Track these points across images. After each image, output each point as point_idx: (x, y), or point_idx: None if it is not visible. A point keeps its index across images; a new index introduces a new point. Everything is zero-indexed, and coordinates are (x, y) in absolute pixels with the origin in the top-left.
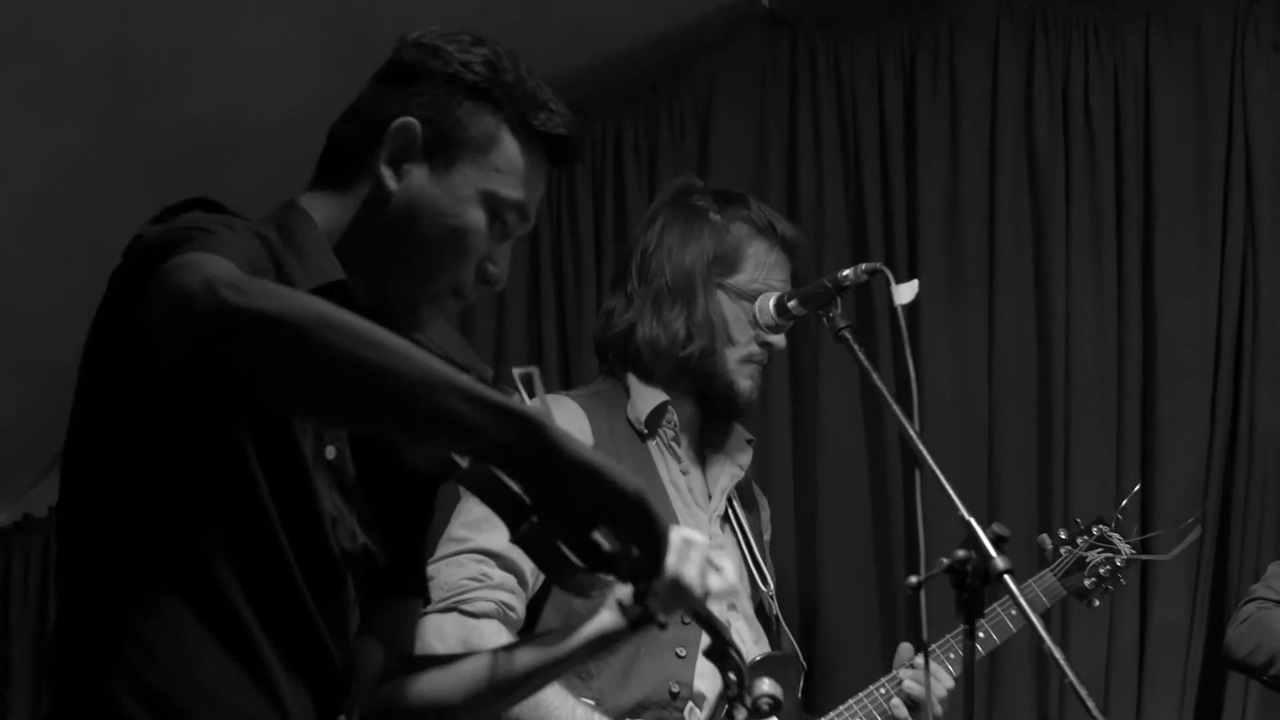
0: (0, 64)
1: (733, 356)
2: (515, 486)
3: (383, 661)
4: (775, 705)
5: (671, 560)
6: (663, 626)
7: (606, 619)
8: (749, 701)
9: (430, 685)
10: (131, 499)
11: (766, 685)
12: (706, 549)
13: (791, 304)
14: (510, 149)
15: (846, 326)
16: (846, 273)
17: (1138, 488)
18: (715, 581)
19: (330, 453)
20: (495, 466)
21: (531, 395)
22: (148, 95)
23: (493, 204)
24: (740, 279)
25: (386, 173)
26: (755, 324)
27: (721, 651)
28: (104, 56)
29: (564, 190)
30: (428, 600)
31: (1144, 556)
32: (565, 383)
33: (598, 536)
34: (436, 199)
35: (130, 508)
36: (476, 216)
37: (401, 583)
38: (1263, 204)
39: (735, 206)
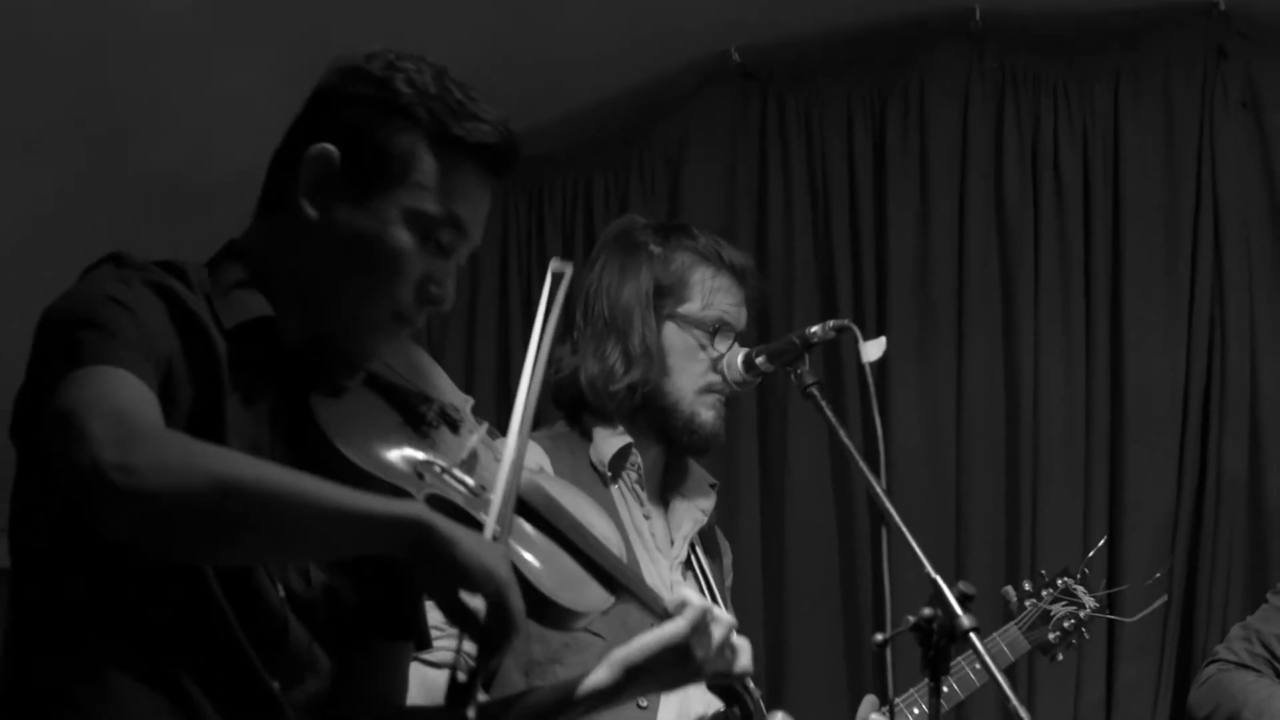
0: None
1: (687, 386)
2: (468, 508)
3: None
4: None
5: (675, 633)
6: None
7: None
8: None
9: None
10: (59, 549)
11: (780, 718)
12: (729, 627)
13: (759, 360)
14: (430, 163)
15: (814, 383)
16: (814, 329)
17: (1103, 541)
18: (736, 665)
19: None
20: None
21: (555, 292)
22: (119, 145)
23: (419, 221)
24: (690, 307)
25: (305, 203)
26: (706, 349)
27: (733, 690)
28: (76, 106)
29: (534, 240)
30: (424, 644)
31: (1108, 615)
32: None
33: (466, 598)
34: (359, 224)
35: (57, 556)
36: (402, 237)
37: (386, 625)
38: (1231, 260)
39: (677, 236)
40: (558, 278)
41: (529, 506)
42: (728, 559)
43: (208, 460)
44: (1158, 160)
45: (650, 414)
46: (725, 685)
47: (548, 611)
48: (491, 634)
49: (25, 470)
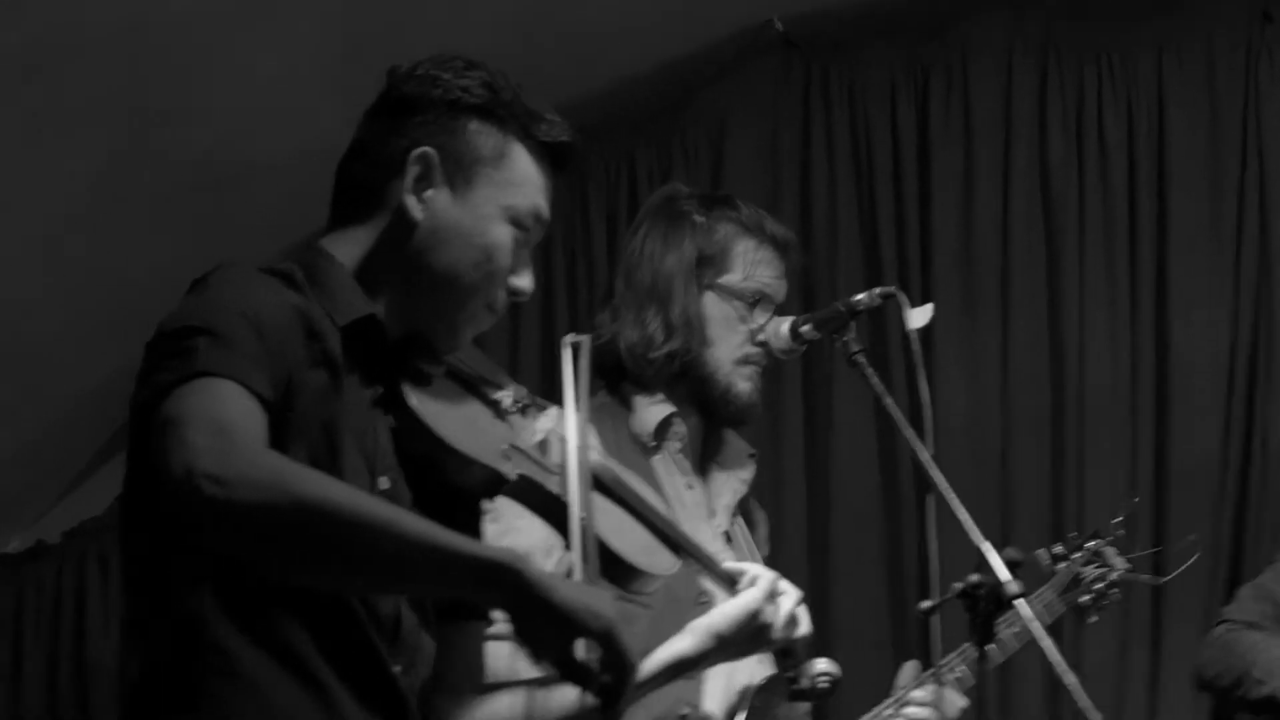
0: (12, 96)
1: (725, 357)
2: (552, 488)
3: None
4: (833, 683)
5: (756, 600)
6: None
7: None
8: (806, 683)
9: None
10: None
11: (822, 664)
12: (796, 600)
13: (805, 328)
14: (521, 160)
15: (860, 351)
16: (860, 297)
17: (1135, 500)
18: (797, 633)
19: (384, 483)
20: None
21: (577, 363)
22: (158, 126)
23: (514, 217)
24: (731, 278)
25: (411, 201)
26: (746, 323)
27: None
28: (115, 88)
29: (578, 216)
30: (489, 620)
31: (1139, 577)
32: None
33: (577, 650)
34: (462, 221)
35: (189, 557)
36: (502, 232)
37: (460, 606)
38: (1276, 227)
39: (720, 207)
40: (575, 349)
41: (600, 482)
42: (764, 529)
43: (300, 481)
44: (1202, 127)
45: (689, 383)
46: (783, 648)
47: (624, 575)
48: (609, 681)
49: (133, 476)
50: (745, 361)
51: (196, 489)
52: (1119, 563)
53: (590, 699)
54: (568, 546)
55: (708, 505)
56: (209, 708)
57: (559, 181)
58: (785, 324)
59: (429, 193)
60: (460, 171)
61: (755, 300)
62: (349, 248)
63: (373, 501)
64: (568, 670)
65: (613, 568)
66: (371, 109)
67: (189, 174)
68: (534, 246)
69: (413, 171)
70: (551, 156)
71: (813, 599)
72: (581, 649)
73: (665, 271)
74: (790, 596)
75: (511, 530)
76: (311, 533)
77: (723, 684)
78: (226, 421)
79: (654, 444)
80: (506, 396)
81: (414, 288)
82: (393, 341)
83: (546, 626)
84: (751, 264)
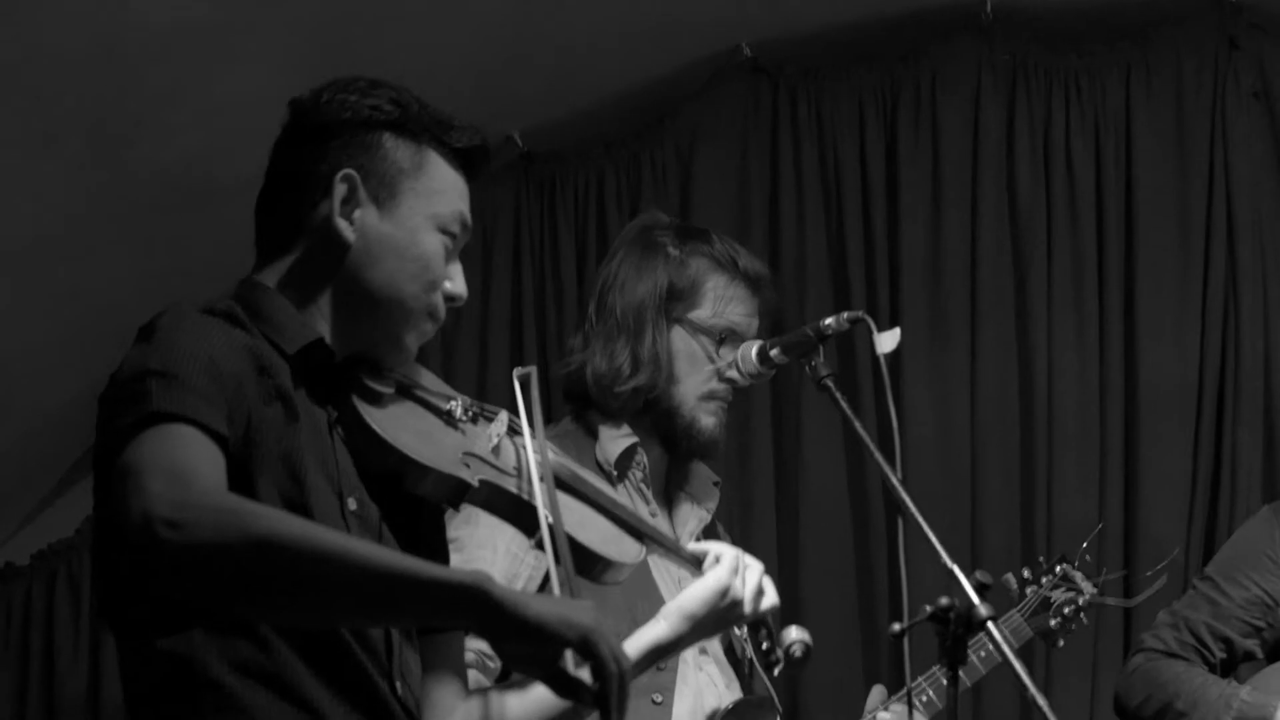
0: None
1: (690, 393)
2: (513, 489)
3: (453, 694)
4: (807, 650)
5: (724, 577)
6: None
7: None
8: (780, 654)
9: (510, 710)
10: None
11: (794, 633)
12: (760, 573)
13: (773, 352)
14: (439, 168)
15: (829, 375)
16: (828, 321)
17: (1100, 526)
18: (765, 604)
19: (351, 504)
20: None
21: (528, 394)
22: (129, 143)
23: (441, 224)
24: (700, 314)
25: (341, 224)
26: (713, 359)
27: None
28: (85, 108)
29: (547, 237)
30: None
31: (1107, 601)
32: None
33: (566, 663)
34: (394, 236)
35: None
36: (433, 240)
37: None
38: (1244, 249)
39: (695, 241)
40: (524, 381)
41: (559, 479)
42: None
43: (256, 519)
44: (1170, 152)
45: (653, 416)
46: (754, 620)
47: (595, 567)
48: (602, 690)
49: (100, 527)
50: (710, 397)
51: (154, 535)
52: (1087, 587)
53: (587, 709)
54: (535, 545)
55: (672, 533)
56: None
57: (510, 192)
58: (754, 348)
59: (357, 213)
60: (383, 188)
61: (723, 337)
62: (284, 278)
63: (332, 535)
64: (559, 685)
65: (582, 561)
66: (282, 141)
67: (159, 193)
68: (462, 251)
69: (339, 194)
70: (464, 161)
71: (784, 620)
72: (570, 661)
73: (636, 302)
74: (755, 569)
75: (475, 560)
76: (272, 570)
77: (689, 707)
78: (182, 466)
79: (616, 473)
80: (457, 406)
81: (356, 307)
82: (340, 363)
83: (523, 644)
84: (722, 300)
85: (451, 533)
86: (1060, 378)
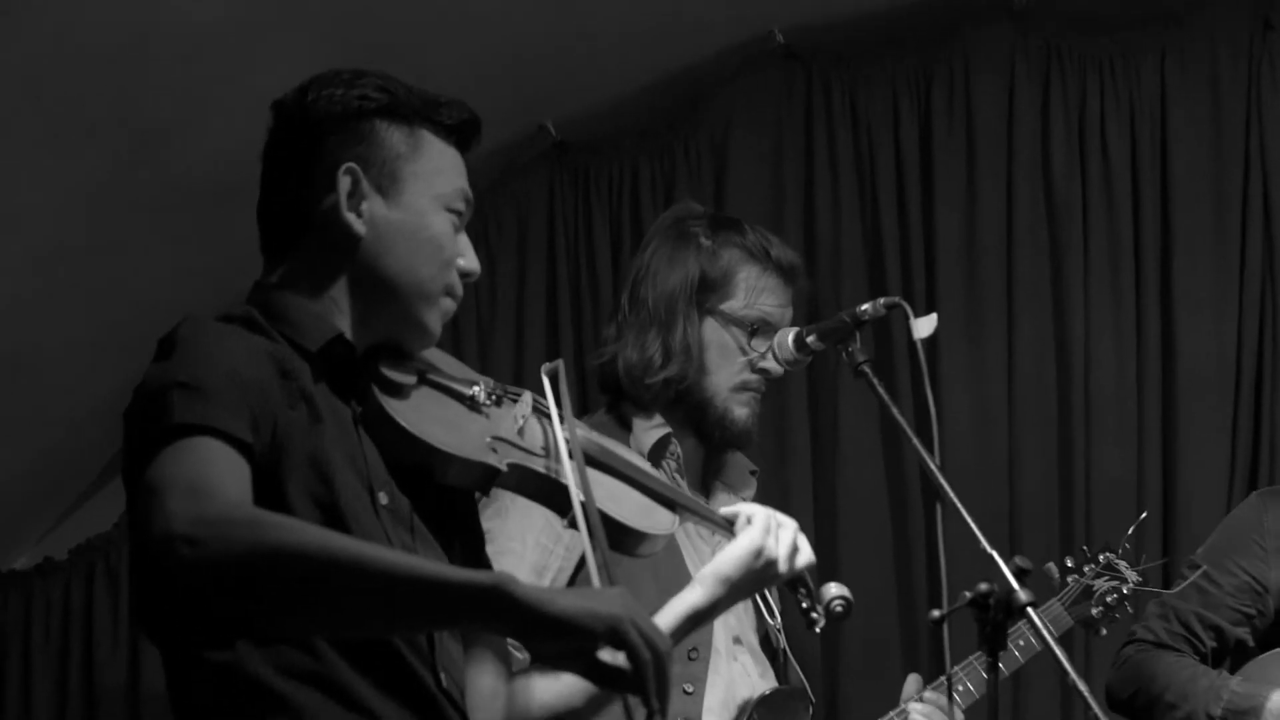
0: (14, 111)
1: (722, 384)
2: (542, 470)
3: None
4: (848, 606)
5: (757, 538)
6: None
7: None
8: (821, 611)
9: (546, 692)
10: None
11: (834, 589)
12: (794, 530)
13: (810, 339)
14: (435, 148)
15: (866, 361)
16: (865, 307)
17: (1144, 515)
18: (801, 561)
19: (383, 498)
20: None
21: (557, 389)
22: (159, 142)
23: (446, 203)
24: (733, 304)
25: (351, 218)
26: (745, 351)
27: (797, 578)
28: (116, 103)
29: (581, 227)
30: None
31: (1150, 589)
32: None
33: (603, 656)
34: (404, 222)
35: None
36: (442, 220)
37: None
38: None
39: (728, 231)
40: (552, 376)
41: (588, 456)
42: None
43: (274, 532)
44: (1205, 134)
45: (686, 408)
46: (792, 579)
47: (629, 541)
48: (639, 671)
49: (133, 543)
50: (743, 388)
51: (174, 552)
52: (1131, 575)
53: (632, 700)
54: (568, 524)
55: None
56: None
57: (544, 182)
58: (790, 335)
59: (364, 204)
60: (385, 175)
61: (755, 328)
62: (296, 277)
63: (350, 543)
64: (596, 676)
65: (616, 536)
66: (273, 145)
67: (194, 190)
68: (467, 225)
69: (344, 188)
70: (458, 137)
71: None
72: (607, 654)
73: (668, 293)
74: (788, 527)
75: (505, 552)
76: (291, 581)
77: (721, 697)
78: (203, 482)
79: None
80: (480, 390)
81: (375, 297)
82: (360, 357)
83: (551, 641)
84: (754, 291)
85: (484, 525)
86: (1097, 362)
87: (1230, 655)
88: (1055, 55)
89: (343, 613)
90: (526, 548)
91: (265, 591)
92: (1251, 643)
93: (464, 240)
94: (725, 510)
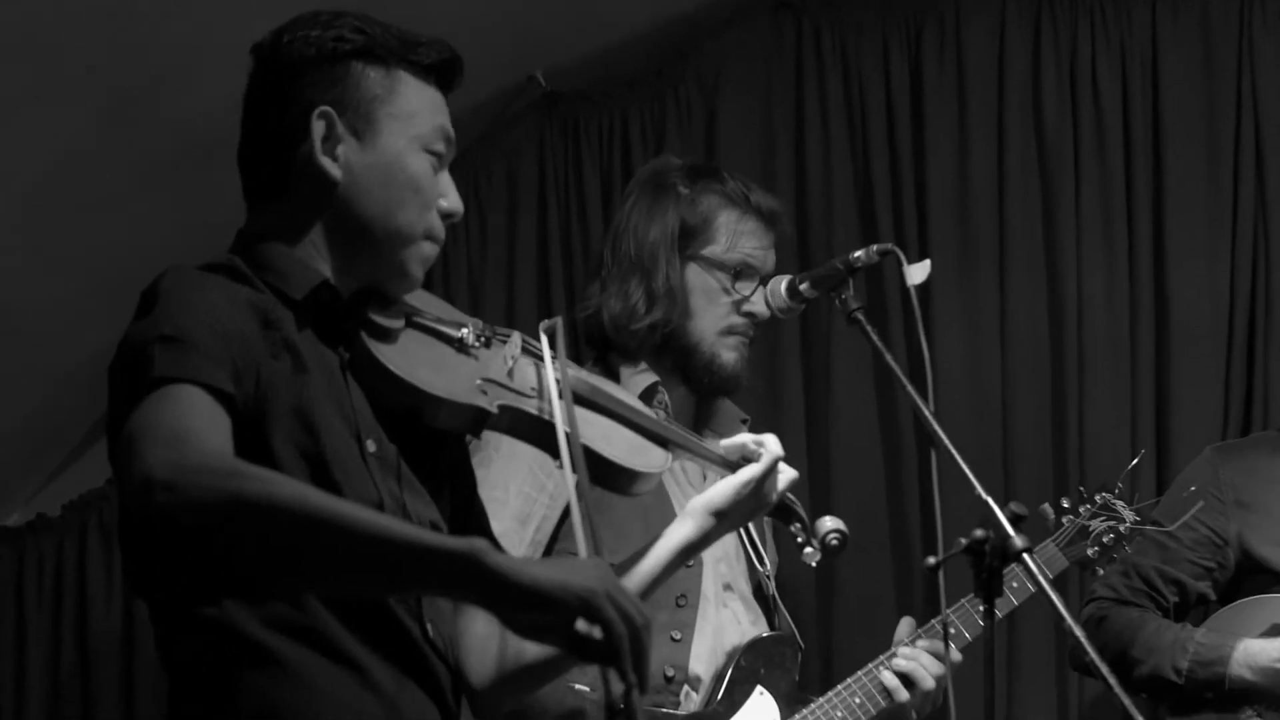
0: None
1: (708, 328)
2: (533, 411)
3: (485, 623)
4: (844, 539)
5: (758, 471)
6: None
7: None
8: (816, 544)
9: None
10: None
11: (830, 523)
12: (779, 457)
13: (803, 286)
14: (412, 88)
15: (859, 308)
16: (858, 254)
17: (1141, 453)
18: (783, 480)
19: (370, 446)
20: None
21: (554, 347)
22: (148, 94)
23: (425, 144)
24: (714, 249)
25: (325, 162)
26: (729, 293)
27: (782, 505)
28: (104, 55)
29: (571, 177)
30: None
31: (1147, 527)
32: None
33: (579, 627)
34: (379, 165)
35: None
36: (420, 162)
37: None
38: (1273, 177)
39: (706, 179)
40: (550, 333)
41: (578, 395)
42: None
43: (252, 483)
44: (1197, 79)
45: (673, 354)
46: (779, 504)
47: (622, 479)
48: (613, 645)
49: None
50: (730, 332)
51: (151, 499)
52: (1128, 515)
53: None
54: (560, 465)
55: (699, 471)
56: (255, 702)
57: (534, 133)
58: (783, 282)
59: (339, 148)
60: (360, 118)
61: (738, 271)
62: (277, 225)
63: (329, 501)
64: (574, 649)
65: (609, 475)
66: (251, 90)
67: (181, 145)
68: (450, 164)
69: (318, 132)
70: (438, 76)
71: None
72: (584, 625)
73: (649, 242)
74: (772, 456)
75: (488, 501)
76: (266, 534)
77: (709, 644)
78: (182, 429)
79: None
80: (469, 332)
81: (354, 243)
82: (346, 302)
83: (522, 613)
84: (735, 235)
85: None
86: (1090, 307)
87: (1192, 610)
88: (1046, 0)
89: (314, 569)
90: (509, 495)
91: (238, 542)
92: (1213, 596)
93: (445, 180)
94: (731, 441)
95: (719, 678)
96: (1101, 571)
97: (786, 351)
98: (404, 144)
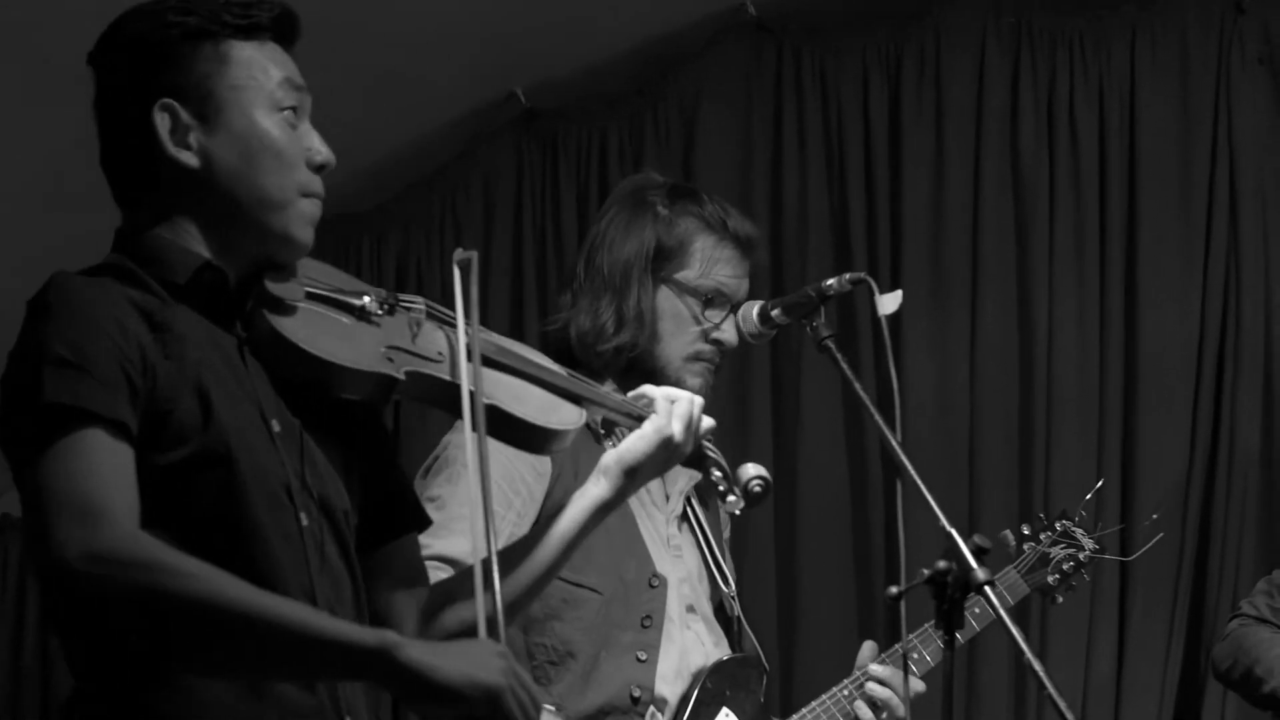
0: None
1: (675, 353)
2: (442, 375)
3: (414, 600)
4: (767, 485)
5: (657, 422)
6: None
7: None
8: (739, 492)
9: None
10: None
11: (751, 469)
12: (690, 401)
13: (775, 312)
14: (244, 53)
15: (829, 336)
16: (830, 282)
17: (1100, 483)
18: (702, 428)
19: (275, 426)
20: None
21: (467, 281)
22: None
23: (272, 104)
24: (687, 274)
25: (179, 153)
26: (699, 320)
27: (699, 454)
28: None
29: (549, 194)
30: (426, 523)
31: (1107, 556)
32: None
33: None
34: (232, 141)
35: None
36: (270, 124)
37: (395, 522)
38: (1246, 217)
39: (685, 201)
40: (464, 266)
41: (487, 357)
42: (724, 513)
43: (168, 581)
44: (1174, 116)
45: (638, 376)
46: (696, 453)
47: (536, 439)
48: None
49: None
50: (696, 358)
51: (64, 585)
52: (1087, 543)
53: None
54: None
55: (662, 491)
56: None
57: (512, 149)
58: (755, 308)
59: (190, 136)
60: (202, 100)
61: (710, 298)
62: (154, 220)
63: (245, 594)
64: None
65: (523, 435)
66: (96, 100)
67: None
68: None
69: (164, 126)
70: (277, 32)
71: (779, 581)
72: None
73: (623, 260)
74: (684, 400)
75: (455, 519)
76: (181, 629)
77: (674, 665)
78: (90, 502)
79: (604, 431)
80: (371, 300)
81: (229, 222)
82: (237, 283)
83: (433, 707)
84: (710, 261)
85: (434, 490)
86: (1060, 341)
87: None
88: (1026, 33)
89: (228, 661)
90: (477, 515)
91: (152, 632)
92: None
93: (306, 131)
94: (636, 391)
95: (684, 700)
96: (1060, 600)
97: (756, 377)
98: (252, 112)
